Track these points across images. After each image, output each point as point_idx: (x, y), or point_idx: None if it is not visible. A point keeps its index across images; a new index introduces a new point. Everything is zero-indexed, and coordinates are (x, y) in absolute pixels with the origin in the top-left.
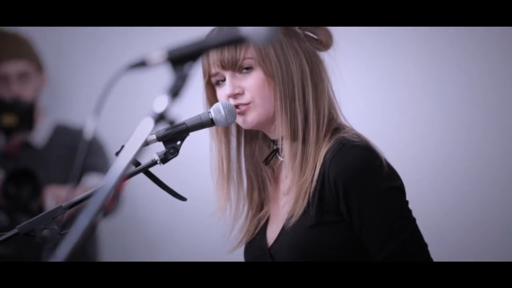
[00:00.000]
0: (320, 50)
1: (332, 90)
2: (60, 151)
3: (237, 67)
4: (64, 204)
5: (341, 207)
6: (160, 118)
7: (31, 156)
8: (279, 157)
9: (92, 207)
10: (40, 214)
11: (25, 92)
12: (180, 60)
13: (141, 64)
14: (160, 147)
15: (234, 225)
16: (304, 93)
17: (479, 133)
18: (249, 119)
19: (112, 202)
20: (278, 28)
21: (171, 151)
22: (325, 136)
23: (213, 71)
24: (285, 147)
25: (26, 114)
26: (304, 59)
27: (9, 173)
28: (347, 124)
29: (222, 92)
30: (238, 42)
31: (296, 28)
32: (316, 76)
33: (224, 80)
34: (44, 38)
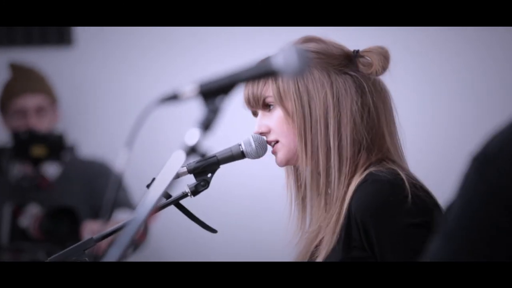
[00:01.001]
0: (371, 74)
1: (374, 120)
2: (74, 183)
3: (261, 106)
4: (95, 236)
5: (364, 242)
6: (191, 151)
7: (26, 186)
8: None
9: (123, 239)
10: (71, 246)
11: (41, 126)
12: (212, 93)
13: (173, 97)
14: (190, 179)
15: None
16: (327, 127)
17: (482, 133)
18: (278, 159)
19: (142, 235)
20: (310, 57)
21: (202, 183)
22: (356, 170)
23: (247, 107)
24: (307, 181)
25: (56, 146)
26: (330, 90)
27: (49, 210)
28: (398, 159)
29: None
30: (269, 75)
31: (339, 49)
32: (342, 106)
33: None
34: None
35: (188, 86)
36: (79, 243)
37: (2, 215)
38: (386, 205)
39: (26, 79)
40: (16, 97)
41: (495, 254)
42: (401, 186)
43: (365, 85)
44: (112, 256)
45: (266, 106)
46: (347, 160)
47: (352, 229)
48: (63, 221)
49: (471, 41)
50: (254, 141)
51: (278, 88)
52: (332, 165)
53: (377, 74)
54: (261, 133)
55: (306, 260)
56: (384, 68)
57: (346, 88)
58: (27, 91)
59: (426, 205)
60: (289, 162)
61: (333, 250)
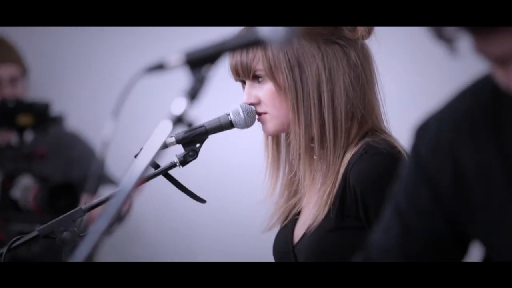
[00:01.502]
0: (357, 38)
1: (365, 90)
2: (51, 154)
3: (251, 77)
4: (84, 206)
5: (360, 213)
6: (178, 120)
7: (13, 155)
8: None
9: (110, 209)
10: (60, 217)
11: (14, 95)
12: (198, 62)
13: (159, 67)
14: (179, 149)
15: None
16: (320, 100)
17: None
18: (267, 129)
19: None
20: (298, 28)
21: (191, 153)
22: (349, 140)
23: (233, 77)
24: (302, 156)
25: (42, 115)
26: (321, 62)
27: (49, 184)
28: (384, 127)
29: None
30: (256, 44)
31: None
32: (335, 79)
33: (245, 83)
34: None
35: (174, 55)
36: (68, 213)
37: None
38: (386, 178)
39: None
40: None
41: (420, 222)
42: (400, 159)
43: (353, 53)
44: (99, 226)
45: (256, 78)
46: (341, 132)
47: (347, 198)
48: (62, 197)
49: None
50: (243, 111)
51: (269, 62)
52: (327, 138)
53: (363, 38)
54: (250, 103)
55: (284, 225)
56: (369, 31)
57: (337, 59)
58: (1, 61)
59: None
60: (278, 132)
61: (326, 216)
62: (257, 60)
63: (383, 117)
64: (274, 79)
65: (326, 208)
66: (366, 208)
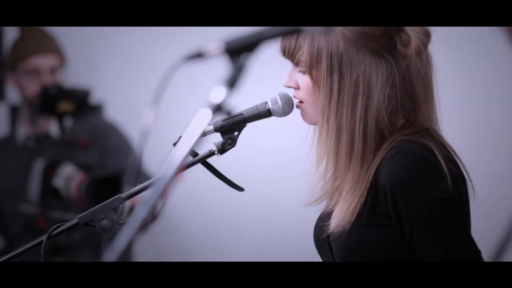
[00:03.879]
0: (408, 54)
1: (407, 104)
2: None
3: (295, 63)
4: (123, 195)
5: (391, 212)
6: (217, 109)
7: (54, 143)
8: None
9: (150, 197)
10: (99, 205)
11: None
12: (237, 51)
13: (198, 55)
14: (217, 137)
15: (317, 184)
16: (354, 111)
17: (481, 133)
18: (304, 118)
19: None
20: (347, 33)
21: (229, 141)
22: (383, 141)
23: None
24: (328, 162)
25: (82, 102)
26: (363, 74)
27: (94, 176)
28: (436, 129)
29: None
30: (294, 33)
31: (380, 28)
32: (372, 93)
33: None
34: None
35: (213, 44)
36: (107, 201)
37: (33, 172)
38: (416, 178)
39: (37, 39)
40: (30, 56)
41: None
42: (431, 159)
43: (396, 73)
44: (140, 214)
45: (298, 66)
46: (370, 148)
47: (378, 196)
48: (107, 189)
49: (472, 41)
50: (281, 99)
51: (311, 58)
52: (355, 150)
53: (416, 54)
54: (289, 86)
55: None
56: (423, 47)
57: (377, 74)
58: (41, 51)
59: (455, 179)
60: (313, 124)
61: (359, 212)
62: (302, 52)
63: (434, 122)
64: (312, 76)
65: (358, 205)
66: (396, 207)
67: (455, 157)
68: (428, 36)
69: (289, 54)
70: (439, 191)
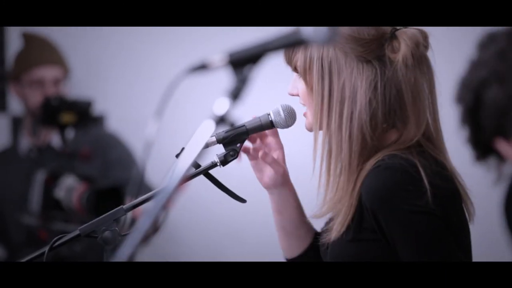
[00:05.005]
0: (396, 61)
1: (397, 114)
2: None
3: (293, 68)
4: (125, 206)
5: (374, 227)
6: (220, 120)
7: (56, 154)
8: None
9: (153, 209)
10: (102, 216)
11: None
12: (241, 62)
13: (202, 67)
14: (219, 149)
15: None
16: (342, 115)
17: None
18: (306, 125)
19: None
20: (339, 30)
21: (231, 153)
22: (369, 155)
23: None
24: (321, 160)
25: (84, 113)
26: (348, 79)
27: (96, 187)
28: (426, 142)
29: None
30: (298, 44)
31: (372, 33)
32: (357, 99)
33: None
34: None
35: (217, 55)
36: (109, 212)
37: (34, 183)
38: (394, 192)
39: (42, 50)
40: (33, 67)
41: None
42: (412, 174)
43: (379, 78)
44: (143, 225)
45: (296, 72)
46: (355, 153)
47: (364, 211)
48: (108, 200)
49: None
50: (283, 110)
51: (305, 63)
52: (343, 157)
53: (403, 62)
54: (292, 95)
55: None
56: (411, 56)
57: (362, 79)
58: (45, 62)
59: (441, 195)
60: (311, 130)
61: (348, 227)
62: (298, 57)
63: (430, 136)
64: (305, 80)
65: (347, 220)
66: (377, 222)
67: (448, 173)
68: (418, 44)
69: (288, 60)
70: (418, 205)
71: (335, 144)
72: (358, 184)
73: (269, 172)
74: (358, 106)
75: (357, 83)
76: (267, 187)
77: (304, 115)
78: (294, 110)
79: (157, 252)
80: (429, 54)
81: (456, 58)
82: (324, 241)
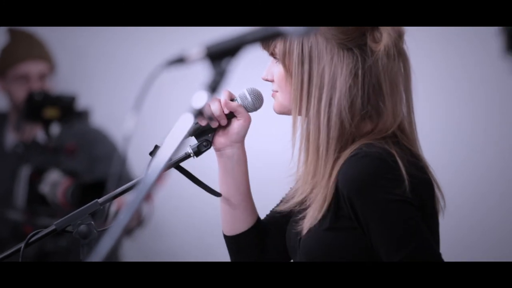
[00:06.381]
0: (378, 51)
1: (376, 103)
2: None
3: (270, 53)
4: (100, 199)
5: (351, 215)
6: (199, 113)
7: (40, 149)
8: None
9: (134, 202)
10: (77, 210)
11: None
12: (218, 55)
13: (180, 60)
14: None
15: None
16: (320, 101)
17: (481, 133)
18: (274, 106)
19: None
20: (318, 27)
21: (204, 143)
22: (346, 145)
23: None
24: (296, 145)
25: (68, 108)
26: (328, 65)
27: (80, 182)
28: (401, 133)
29: None
30: (276, 37)
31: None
32: (336, 85)
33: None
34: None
35: (195, 48)
36: (84, 206)
37: (19, 179)
38: (371, 180)
39: (27, 45)
40: (19, 62)
41: None
42: (389, 163)
43: (360, 66)
44: (123, 218)
45: (273, 56)
46: (333, 139)
47: (340, 199)
48: (93, 194)
49: (472, 41)
50: (249, 94)
51: (284, 47)
52: (321, 143)
53: (385, 51)
54: (266, 79)
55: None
56: (393, 46)
57: (342, 66)
58: (30, 57)
59: (417, 183)
60: (283, 113)
61: (323, 216)
62: (276, 42)
63: (404, 128)
64: (285, 64)
65: (323, 208)
66: (354, 210)
67: (422, 164)
68: (401, 36)
69: (265, 45)
70: (395, 194)
71: (313, 129)
72: (335, 173)
73: (235, 124)
74: (337, 92)
75: (337, 69)
76: (232, 141)
77: (273, 96)
78: (260, 93)
79: (145, 250)
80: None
81: (429, 58)
82: (296, 231)
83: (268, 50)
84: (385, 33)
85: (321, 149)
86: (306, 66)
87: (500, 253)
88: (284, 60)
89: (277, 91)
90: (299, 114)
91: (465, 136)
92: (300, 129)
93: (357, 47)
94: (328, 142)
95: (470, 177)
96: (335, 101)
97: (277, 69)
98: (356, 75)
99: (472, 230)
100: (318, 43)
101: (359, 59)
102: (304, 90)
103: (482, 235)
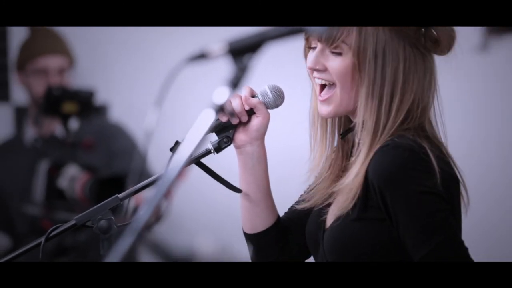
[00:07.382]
0: (436, 52)
1: (426, 101)
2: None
3: (330, 45)
4: (120, 195)
5: (380, 205)
6: (221, 109)
7: (59, 144)
8: (356, 139)
9: (154, 197)
10: (97, 205)
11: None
12: (240, 51)
13: (201, 56)
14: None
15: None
16: (392, 98)
17: (481, 133)
18: (327, 111)
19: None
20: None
21: (225, 140)
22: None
23: (307, 42)
24: (362, 141)
25: (87, 103)
26: (402, 63)
27: (99, 176)
28: (435, 133)
29: (309, 58)
30: (297, 33)
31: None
32: (409, 84)
33: (315, 48)
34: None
35: (216, 44)
36: (104, 202)
37: (38, 173)
38: (403, 171)
39: (47, 39)
40: (38, 56)
41: None
42: (421, 155)
43: (429, 65)
44: (143, 213)
45: (333, 47)
46: (388, 133)
47: (370, 189)
48: (111, 189)
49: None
50: (271, 91)
51: (360, 40)
52: (378, 135)
53: (442, 53)
54: (316, 70)
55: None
56: (449, 48)
57: (416, 65)
58: (50, 52)
59: (446, 178)
60: (336, 115)
61: (353, 206)
62: (347, 33)
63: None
64: (358, 58)
65: (353, 199)
66: (384, 200)
67: (449, 160)
68: (453, 39)
69: (329, 36)
70: (427, 186)
71: (382, 122)
72: (366, 163)
73: (255, 121)
74: (410, 91)
75: (411, 68)
76: (251, 138)
77: (324, 100)
78: (281, 90)
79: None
80: None
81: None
82: (319, 224)
83: (332, 42)
84: (442, 34)
85: (372, 142)
86: (380, 62)
87: (500, 253)
88: (359, 54)
89: (333, 84)
90: (370, 109)
91: (465, 136)
92: (364, 127)
93: (421, 46)
94: (385, 135)
95: (470, 177)
96: (408, 99)
97: (336, 63)
98: (424, 74)
99: (472, 230)
100: (392, 39)
101: (428, 58)
102: (376, 86)
103: (482, 235)
